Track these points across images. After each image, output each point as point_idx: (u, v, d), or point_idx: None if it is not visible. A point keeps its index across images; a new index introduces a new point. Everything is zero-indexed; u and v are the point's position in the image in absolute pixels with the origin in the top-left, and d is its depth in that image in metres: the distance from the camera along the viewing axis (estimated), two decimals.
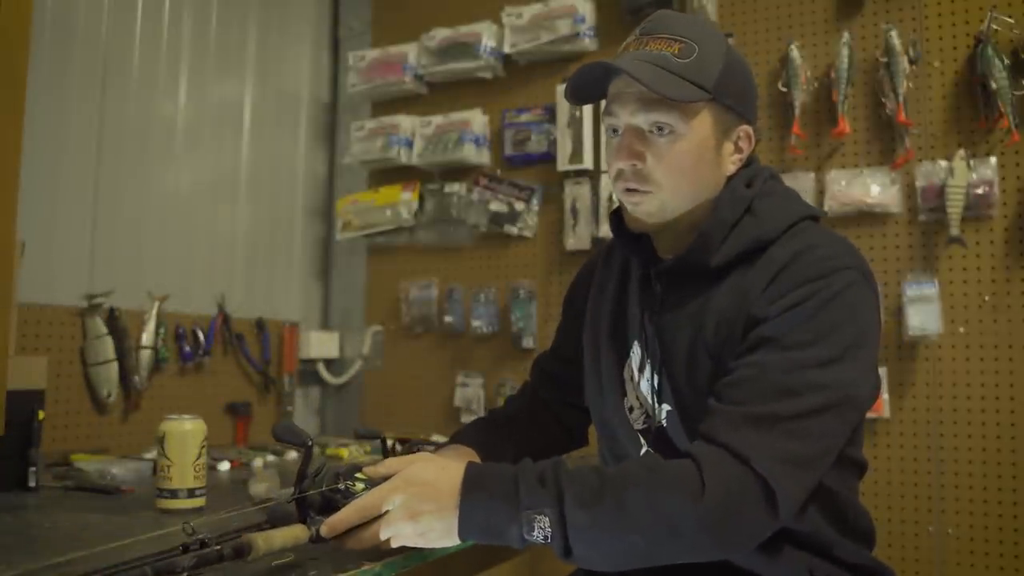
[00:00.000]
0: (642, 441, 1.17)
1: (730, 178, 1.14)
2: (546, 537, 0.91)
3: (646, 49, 1.08)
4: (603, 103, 1.14)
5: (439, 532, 0.94)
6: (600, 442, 1.30)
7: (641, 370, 1.16)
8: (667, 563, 0.94)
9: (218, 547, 0.85)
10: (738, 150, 1.13)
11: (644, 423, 1.17)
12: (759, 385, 0.96)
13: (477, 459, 1.18)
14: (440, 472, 0.96)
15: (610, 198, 2.22)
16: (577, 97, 1.16)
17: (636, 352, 1.18)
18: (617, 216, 1.21)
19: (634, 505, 0.90)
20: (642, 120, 1.07)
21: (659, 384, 1.14)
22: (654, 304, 1.15)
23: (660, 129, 1.07)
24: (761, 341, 0.99)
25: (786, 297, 1.00)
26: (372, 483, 1.02)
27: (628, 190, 1.10)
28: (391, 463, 0.99)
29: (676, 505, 0.89)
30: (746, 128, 1.13)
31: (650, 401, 1.15)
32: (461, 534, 0.94)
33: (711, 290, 1.10)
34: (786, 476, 0.91)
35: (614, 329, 1.21)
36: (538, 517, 0.91)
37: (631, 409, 1.18)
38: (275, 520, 0.99)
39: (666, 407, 1.13)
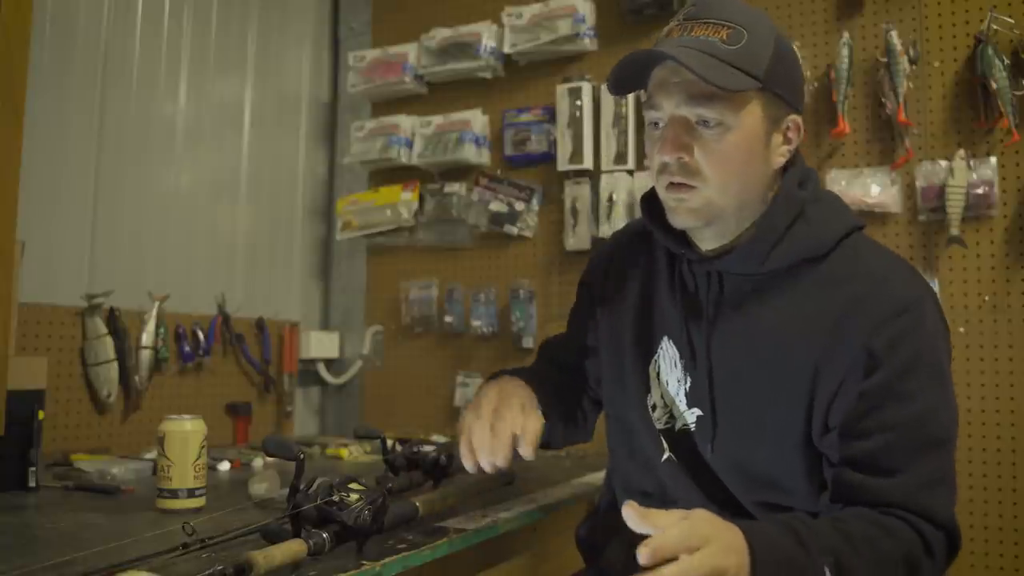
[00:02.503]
0: (664, 443, 1.14)
1: (782, 172, 1.09)
2: None
3: (692, 35, 1.02)
4: (623, 98, 1.12)
5: None
6: (613, 437, 1.26)
7: (672, 369, 1.13)
8: None
9: (220, 567, 0.85)
10: (787, 141, 1.07)
11: (666, 423, 1.14)
12: (906, 446, 0.98)
13: (536, 404, 1.19)
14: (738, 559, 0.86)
15: (610, 198, 2.22)
16: (619, 87, 1.09)
17: (668, 350, 1.13)
18: (650, 203, 1.15)
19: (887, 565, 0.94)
20: (688, 112, 1.02)
21: (692, 387, 1.10)
22: (696, 305, 1.11)
23: (706, 122, 1.01)
24: (881, 396, 0.99)
25: (887, 341, 0.99)
26: (366, 494, 1.02)
27: (672, 184, 1.04)
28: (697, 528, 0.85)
29: (925, 572, 0.96)
30: (795, 118, 1.07)
31: (678, 403, 1.12)
32: None
33: (763, 297, 1.07)
34: (954, 518, 0.99)
35: (640, 322, 1.17)
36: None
37: (653, 407, 1.15)
38: (270, 536, 0.99)
39: (696, 411, 1.10)
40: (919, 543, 0.95)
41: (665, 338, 1.14)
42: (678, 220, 1.08)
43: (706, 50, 0.99)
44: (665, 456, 1.15)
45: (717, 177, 1.03)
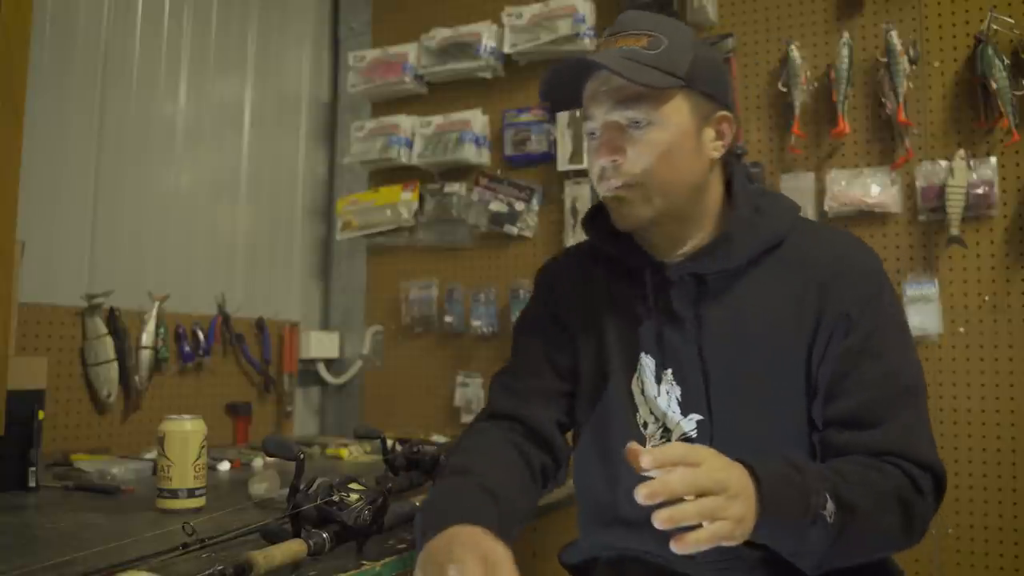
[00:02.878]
0: None
1: (722, 168, 1.15)
2: (831, 515, 0.92)
3: (615, 47, 1.09)
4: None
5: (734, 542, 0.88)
6: (590, 468, 1.20)
7: (658, 382, 1.13)
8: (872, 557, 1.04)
9: (220, 567, 0.85)
10: (720, 135, 1.13)
11: (661, 437, 1.13)
12: (884, 398, 1.04)
13: (494, 538, 0.90)
14: (746, 490, 0.89)
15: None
16: (554, 103, 1.17)
17: (648, 364, 1.14)
18: (597, 220, 1.20)
19: (888, 502, 0.98)
20: (618, 115, 1.08)
21: (685, 394, 1.11)
22: (672, 312, 1.12)
23: (636, 123, 1.07)
24: (857, 356, 1.05)
25: (859, 305, 1.07)
26: (366, 494, 1.02)
27: (613, 188, 1.10)
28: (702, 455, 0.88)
29: (917, 508, 1.00)
30: (726, 114, 1.13)
31: (670, 414, 1.12)
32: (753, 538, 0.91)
33: (733, 290, 1.11)
34: (938, 459, 1.05)
35: (621, 343, 1.17)
36: (827, 503, 0.92)
37: (645, 425, 1.14)
38: (270, 536, 0.99)
39: (695, 416, 1.11)
40: (907, 481, 1.00)
41: (642, 354, 1.15)
42: (622, 221, 1.12)
43: (628, 56, 1.06)
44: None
45: (652, 173, 1.08)
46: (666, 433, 1.13)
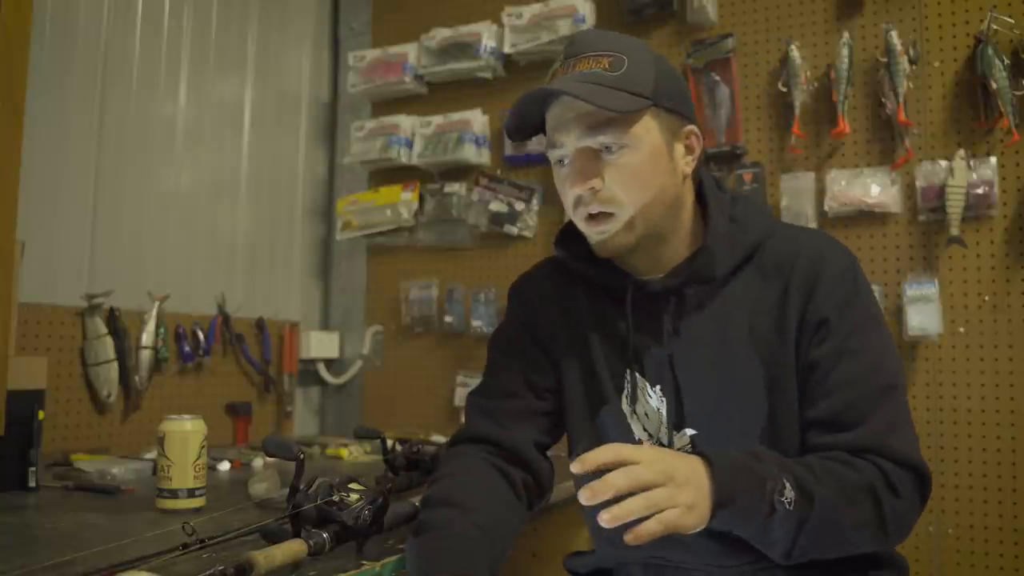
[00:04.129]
0: None
1: (694, 181, 1.14)
2: (790, 501, 0.93)
3: (576, 70, 1.06)
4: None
5: (688, 528, 0.90)
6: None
7: (648, 399, 1.12)
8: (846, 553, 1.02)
9: (220, 567, 0.85)
10: (690, 150, 1.12)
11: None
12: (864, 397, 1.03)
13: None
14: (696, 476, 0.91)
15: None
16: (518, 133, 1.13)
17: (636, 381, 1.13)
18: (571, 240, 1.17)
19: (855, 496, 0.97)
20: (590, 141, 1.06)
21: (674, 409, 1.10)
22: (654, 327, 1.11)
23: (609, 148, 1.05)
24: (837, 356, 1.05)
25: (835, 306, 1.06)
26: (366, 494, 1.02)
27: (591, 217, 1.07)
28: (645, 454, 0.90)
29: (889, 504, 0.98)
30: (692, 128, 1.12)
31: (664, 430, 1.11)
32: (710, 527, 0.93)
33: (715, 302, 1.10)
34: (920, 457, 1.03)
35: (608, 361, 1.15)
36: (785, 489, 0.93)
37: (641, 443, 1.13)
38: (270, 536, 0.99)
39: (689, 431, 1.10)
40: (880, 478, 0.99)
41: (628, 372, 1.14)
42: (604, 250, 1.11)
43: (592, 80, 1.04)
44: None
45: (631, 197, 1.06)
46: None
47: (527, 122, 1.12)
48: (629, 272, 1.14)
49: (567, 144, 1.07)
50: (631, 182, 1.06)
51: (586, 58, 1.06)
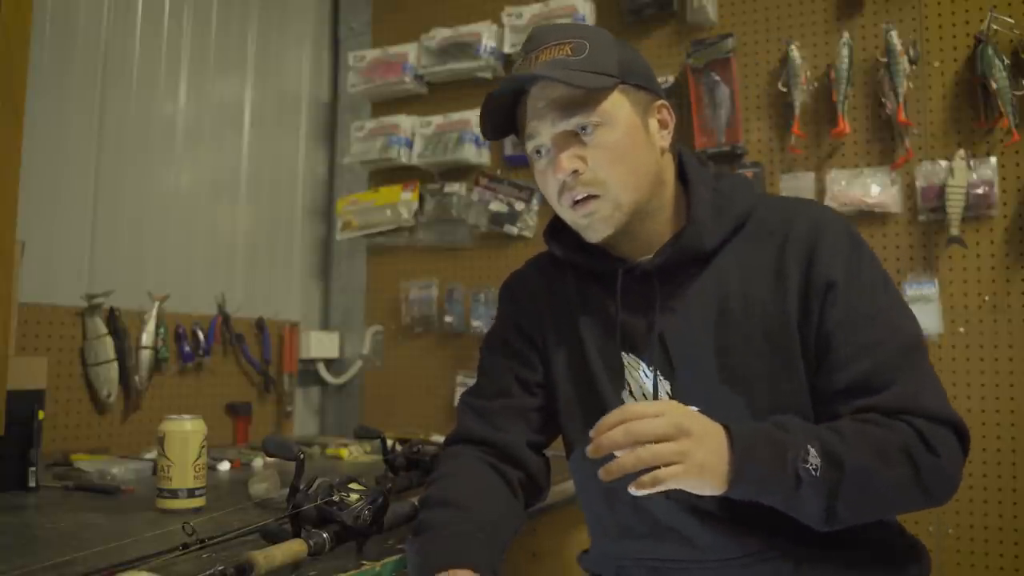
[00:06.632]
0: None
1: (673, 157, 1.14)
2: (815, 468, 0.90)
3: (539, 62, 1.07)
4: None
5: (704, 491, 0.90)
6: (587, 482, 1.18)
7: (641, 381, 1.11)
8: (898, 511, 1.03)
9: (220, 567, 0.85)
10: (663, 124, 1.12)
11: None
12: (889, 358, 1.02)
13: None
14: (713, 437, 0.89)
15: None
16: (493, 132, 1.14)
17: (631, 363, 1.12)
18: (559, 233, 1.18)
19: (891, 456, 0.95)
20: (566, 125, 1.06)
21: (675, 389, 1.09)
22: (647, 306, 1.10)
23: (584, 128, 1.06)
24: (854, 320, 1.03)
25: (843, 269, 1.05)
26: (366, 494, 1.02)
27: (577, 202, 1.07)
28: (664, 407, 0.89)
29: (926, 461, 0.96)
30: (663, 102, 1.13)
31: None
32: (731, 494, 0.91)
33: (708, 274, 1.09)
34: (954, 411, 1.02)
35: (600, 347, 1.15)
36: (809, 455, 0.91)
37: None
38: (270, 536, 0.99)
39: (692, 409, 1.08)
40: (916, 437, 0.97)
41: (624, 354, 1.13)
42: (594, 234, 1.10)
43: (558, 65, 1.05)
44: None
45: (614, 175, 1.06)
46: None
47: (497, 123, 1.13)
48: (619, 257, 1.14)
49: (542, 132, 1.08)
50: (612, 160, 1.06)
51: (547, 48, 1.07)
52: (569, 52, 1.06)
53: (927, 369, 1.05)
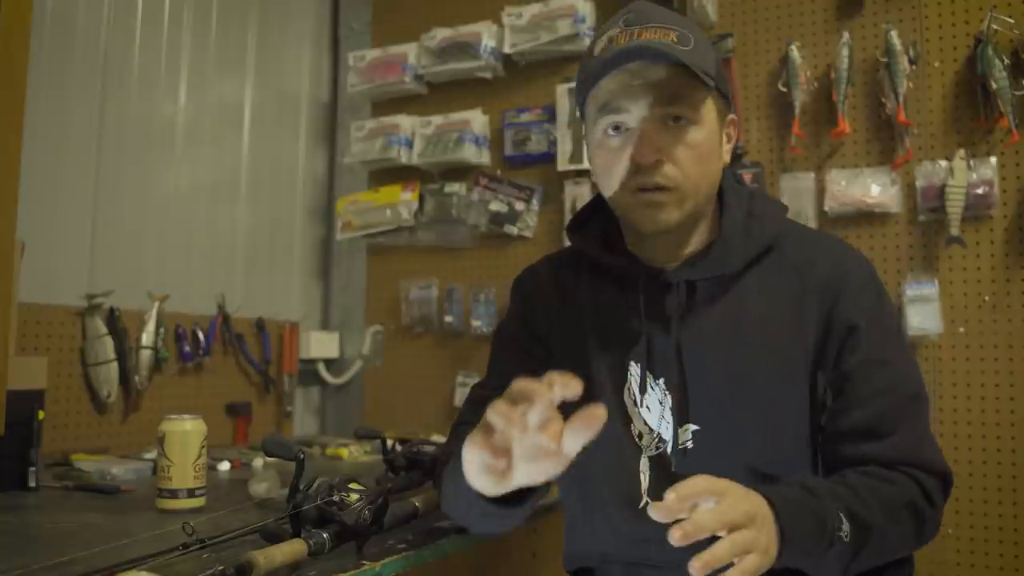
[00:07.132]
0: (645, 467, 1.09)
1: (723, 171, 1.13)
2: (847, 535, 0.92)
3: (642, 39, 1.00)
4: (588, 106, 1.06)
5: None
6: (574, 497, 1.18)
7: (646, 391, 1.09)
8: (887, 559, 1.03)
9: (220, 567, 0.85)
10: (729, 139, 1.11)
11: (656, 449, 1.09)
12: (895, 406, 1.04)
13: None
14: (767, 519, 0.86)
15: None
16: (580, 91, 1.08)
17: (637, 373, 1.10)
18: (584, 228, 1.16)
19: (899, 513, 0.99)
20: (660, 112, 1.01)
21: (681, 403, 1.07)
22: (664, 317, 1.09)
23: (677, 120, 1.02)
24: (869, 365, 1.04)
25: (864, 314, 1.06)
26: (366, 494, 1.02)
27: (646, 190, 1.02)
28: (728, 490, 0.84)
29: (927, 514, 1.01)
30: (734, 116, 1.11)
31: (665, 424, 1.08)
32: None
33: (728, 295, 1.08)
34: (945, 463, 1.07)
35: (608, 353, 1.13)
36: (842, 524, 0.92)
37: (640, 436, 1.11)
38: (270, 536, 0.99)
39: (692, 427, 1.07)
40: (919, 491, 1.01)
41: (631, 363, 1.11)
42: (653, 226, 1.05)
43: (666, 50, 0.98)
44: (645, 485, 1.10)
45: (692, 177, 1.03)
46: (662, 443, 1.09)
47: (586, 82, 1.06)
48: (645, 260, 1.12)
49: (633, 111, 1.02)
50: (694, 160, 1.02)
51: (652, 28, 1.00)
52: (675, 39, 1.00)
53: (926, 421, 1.08)
